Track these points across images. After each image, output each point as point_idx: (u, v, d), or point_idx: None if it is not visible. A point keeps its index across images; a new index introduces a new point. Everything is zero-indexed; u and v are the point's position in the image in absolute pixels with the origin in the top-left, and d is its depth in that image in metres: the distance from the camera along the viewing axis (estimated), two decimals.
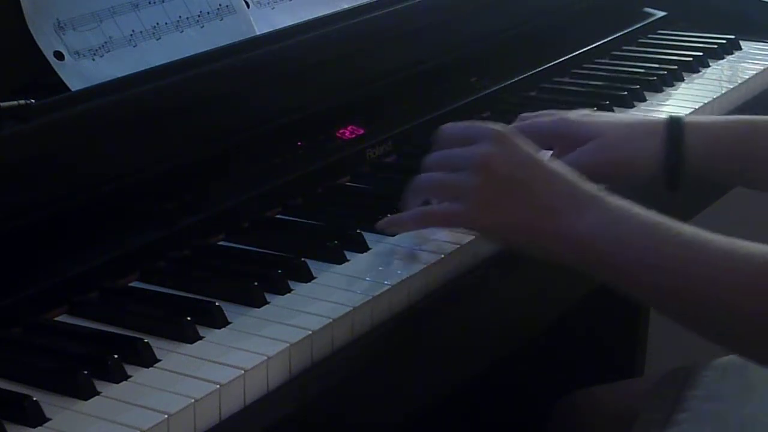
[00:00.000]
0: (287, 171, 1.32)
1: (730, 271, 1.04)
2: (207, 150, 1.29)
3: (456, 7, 1.64)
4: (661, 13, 1.92)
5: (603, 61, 1.77)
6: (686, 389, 1.39)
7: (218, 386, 0.96)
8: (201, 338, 1.04)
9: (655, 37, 1.87)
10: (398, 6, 1.54)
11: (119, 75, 1.26)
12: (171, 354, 1.01)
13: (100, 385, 0.96)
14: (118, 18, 1.30)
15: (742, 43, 1.84)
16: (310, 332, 1.04)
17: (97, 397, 0.95)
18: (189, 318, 1.04)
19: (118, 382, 0.97)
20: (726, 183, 1.45)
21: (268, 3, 1.45)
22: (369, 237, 1.21)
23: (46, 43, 1.24)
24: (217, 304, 1.07)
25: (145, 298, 1.11)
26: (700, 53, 1.77)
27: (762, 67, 1.75)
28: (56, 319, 1.08)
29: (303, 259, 1.15)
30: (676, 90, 1.68)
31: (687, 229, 1.06)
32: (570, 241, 1.08)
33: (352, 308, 1.08)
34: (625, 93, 1.61)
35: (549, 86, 1.67)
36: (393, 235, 1.20)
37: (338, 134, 1.41)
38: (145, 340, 1.01)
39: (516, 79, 1.63)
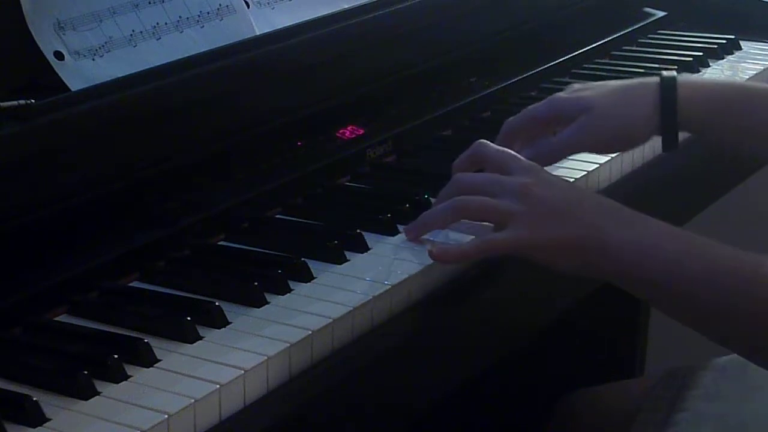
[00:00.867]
0: (287, 171, 1.32)
1: (754, 285, 1.07)
2: (207, 150, 1.29)
3: (456, 7, 1.64)
4: (661, 13, 1.92)
5: (603, 61, 1.77)
6: (686, 389, 1.39)
7: (218, 386, 0.96)
8: (201, 338, 1.04)
9: (655, 37, 1.87)
10: (398, 6, 1.54)
11: (119, 75, 1.26)
12: (171, 354, 1.01)
13: (100, 385, 0.96)
14: (118, 18, 1.30)
15: (742, 43, 1.84)
16: (310, 332, 1.04)
17: (97, 397, 0.95)
18: (189, 318, 1.04)
19: (118, 382, 0.97)
20: (722, 144, 1.44)
21: (268, 3, 1.45)
22: (369, 237, 1.21)
23: (46, 43, 1.24)
24: (217, 304, 1.07)
25: (145, 298, 1.11)
26: (700, 53, 1.77)
27: (762, 67, 1.75)
28: (56, 319, 1.08)
29: (303, 259, 1.15)
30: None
31: (719, 247, 1.10)
32: (606, 254, 1.11)
33: (352, 308, 1.08)
34: None
35: (549, 86, 1.67)
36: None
37: (338, 134, 1.41)
38: (145, 340, 1.01)
39: (516, 79, 1.63)
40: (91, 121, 1.20)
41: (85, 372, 0.96)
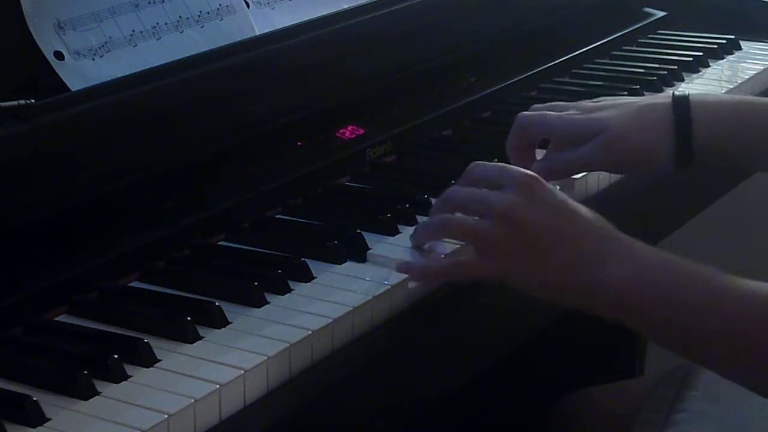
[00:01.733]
0: (287, 171, 1.32)
1: (753, 311, 1.04)
2: (207, 150, 1.29)
3: (456, 7, 1.64)
4: (661, 13, 1.92)
5: (603, 61, 1.77)
6: (685, 389, 1.39)
7: (218, 386, 0.96)
8: (201, 338, 1.04)
9: (655, 37, 1.87)
10: (398, 6, 1.54)
11: (119, 75, 1.26)
12: (171, 354, 1.01)
13: (100, 385, 0.96)
14: (118, 18, 1.30)
15: (742, 43, 1.84)
16: (310, 332, 1.04)
17: (97, 397, 0.95)
18: (189, 318, 1.04)
19: (118, 382, 0.97)
20: (735, 163, 1.44)
21: (268, 3, 1.45)
22: (369, 237, 1.21)
23: (46, 43, 1.24)
24: (217, 304, 1.07)
25: (145, 298, 1.11)
26: (700, 53, 1.77)
27: (762, 67, 1.75)
28: (56, 319, 1.08)
29: (303, 259, 1.15)
30: (676, 90, 1.67)
31: (713, 274, 1.06)
32: (597, 291, 1.07)
33: (352, 308, 1.08)
34: (625, 93, 1.61)
35: (549, 86, 1.67)
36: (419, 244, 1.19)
37: (338, 134, 1.41)
38: (145, 340, 1.01)
39: (516, 79, 1.63)
40: (91, 121, 1.20)
41: (85, 372, 0.96)
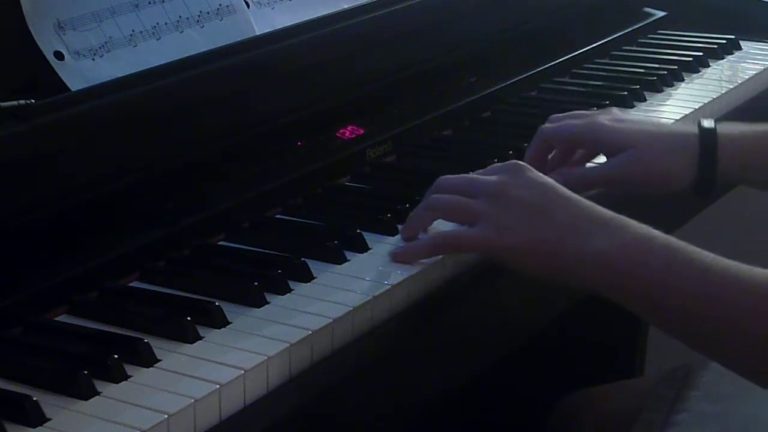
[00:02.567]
0: (287, 171, 1.32)
1: (746, 296, 1.04)
2: (207, 150, 1.29)
3: (456, 7, 1.64)
4: (661, 13, 1.92)
5: (603, 61, 1.77)
6: (686, 389, 1.39)
7: (218, 386, 0.96)
8: (201, 338, 1.04)
9: (655, 37, 1.87)
10: (398, 6, 1.54)
11: (119, 75, 1.26)
12: (171, 354, 1.01)
13: (100, 385, 0.96)
14: (118, 18, 1.30)
15: (742, 43, 1.84)
16: (310, 332, 1.04)
17: (97, 397, 0.95)
18: (189, 318, 1.04)
19: (118, 382, 0.97)
20: (755, 188, 1.45)
21: (268, 3, 1.45)
22: (369, 237, 1.21)
23: (46, 43, 1.24)
24: (217, 304, 1.07)
25: (145, 298, 1.11)
26: (700, 53, 1.77)
27: (762, 67, 1.75)
28: (56, 319, 1.08)
29: (303, 259, 1.15)
30: (676, 90, 1.68)
31: (704, 254, 1.06)
32: (586, 262, 1.08)
33: (352, 308, 1.08)
34: (625, 93, 1.61)
35: (549, 86, 1.67)
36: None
37: (338, 134, 1.41)
38: (145, 340, 1.01)
39: (516, 79, 1.63)
40: (91, 121, 1.20)
41: (85, 372, 0.96)
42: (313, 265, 1.15)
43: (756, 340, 1.04)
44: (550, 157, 1.32)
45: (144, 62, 1.29)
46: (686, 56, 1.76)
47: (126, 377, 0.98)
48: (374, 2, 1.53)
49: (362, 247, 1.19)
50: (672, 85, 1.68)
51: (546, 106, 1.51)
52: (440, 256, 1.16)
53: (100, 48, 1.27)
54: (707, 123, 1.30)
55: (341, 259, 1.17)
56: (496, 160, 1.25)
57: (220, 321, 1.06)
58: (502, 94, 1.60)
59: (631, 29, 1.86)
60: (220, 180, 1.28)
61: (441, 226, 1.19)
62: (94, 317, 1.08)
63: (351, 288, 1.12)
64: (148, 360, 1.00)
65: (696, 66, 1.74)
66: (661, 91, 1.66)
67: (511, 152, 1.38)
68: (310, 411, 1.01)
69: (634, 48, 1.83)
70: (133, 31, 1.31)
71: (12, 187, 1.11)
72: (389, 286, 1.12)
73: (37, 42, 1.23)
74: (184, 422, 0.93)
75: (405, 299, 1.13)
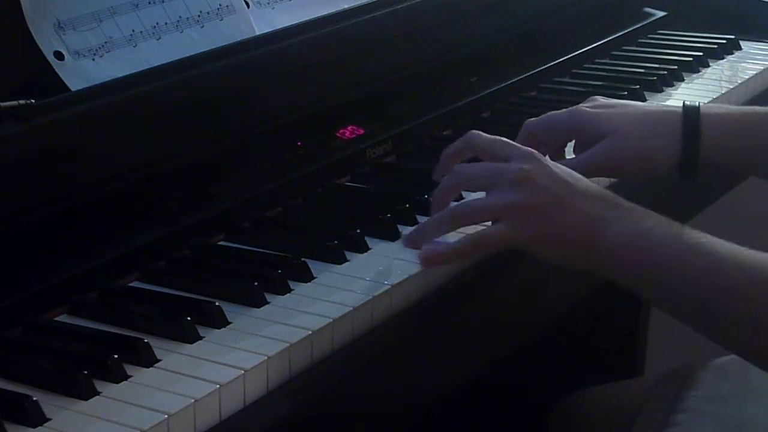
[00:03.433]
0: (287, 171, 1.32)
1: (758, 284, 1.05)
2: (207, 150, 1.29)
3: (456, 7, 1.64)
4: (661, 13, 1.92)
5: (603, 61, 1.77)
6: (686, 389, 1.39)
7: (218, 386, 0.96)
8: (201, 338, 1.04)
9: (655, 37, 1.87)
10: (398, 6, 1.54)
11: (119, 75, 1.26)
12: (171, 354, 1.01)
13: (100, 385, 0.96)
14: (118, 18, 1.30)
15: (742, 43, 1.84)
16: (310, 332, 1.04)
17: (97, 397, 0.95)
18: (189, 318, 1.04)
19: (118, 382, 0.97)
20: (740, 172, 1.45)
21: (268, 3, 1.45)
22: (369, 237, 1.21)
23: (46, 43, 1.24)
24: (217, 304, 1.07)
25: (145, 298, 1.11)
26: (700, 53, 1.77)
27: (762, 67, 1.75)
28: (56, 319, 1.08)
29: (303, 259, 1.15)
30: (676, 90, 1.68)
31: (719, 242, 1.07)
32: (605, 248, 1.09)
33: (352, 308, 1.08)
34: (625, 93, 1.61)
35: (549, 86, 1.67)
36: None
37: (338, 134, 1.41)
38: (145, 340, 1.01)
39: (516, 79, 1.63)
40: (91, 121, 1.20)
41: (85, 372, 0.96)
42: (313, 265, 1.15)
43: (765, 328, 1.04)
44: None
45: (144, 62, 1.29)
46: (686, 56, 1.76)
47: (126, 377, 0.98)
48: (374, 2, 1.52)
49: (362, 247, 1.19)
50: (672, 85, 1.68)
51: (546, 106, 1.51)
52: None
53: (100, 48, 1.27)
54: (691, 102, 1.30)
55: (341, 259, 1.17)
56: None
57: (220, 321, 1.06)
58: (502, 94, 1.60)
59: (631, 29, 1.86)
60: (220, 180, 1.28)
61: (451, 238, 1.16)
62: (94, 317, 1.08)
63: (351, 288, 1.12)
64: (148, 360, 1.00)
65: (696, 66, 1.74)
66: (661, 91, 1.66)
67: None
68: (310, 411, 1.01)
69: (634, 48, 1.83)
70: (133, 31, 1.31)
71: (12, 187, 1.11)
72: (389, 286, 1.12)
73: (37, 42, 1.23)
74: (184, 422, 0.93)
75: (405, 299, 1.13)
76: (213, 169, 1.29)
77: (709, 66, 1.76)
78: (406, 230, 1.23)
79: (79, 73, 1.24)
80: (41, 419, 0.92)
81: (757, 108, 1.37)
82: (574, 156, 1.31)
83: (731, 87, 1.67)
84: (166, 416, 0.92)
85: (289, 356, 1.02)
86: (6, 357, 1.01)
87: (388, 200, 1.28)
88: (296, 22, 1.45)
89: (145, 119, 1.24)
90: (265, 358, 1.00)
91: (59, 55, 1.24)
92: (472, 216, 1.15)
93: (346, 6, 1.51)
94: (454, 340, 1.17)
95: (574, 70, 1.72)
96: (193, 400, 0.94)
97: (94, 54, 1.27)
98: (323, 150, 1.38)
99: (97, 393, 0.96)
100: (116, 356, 0.98)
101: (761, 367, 1.10)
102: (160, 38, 1.32)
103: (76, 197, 1.15)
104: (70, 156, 1.17)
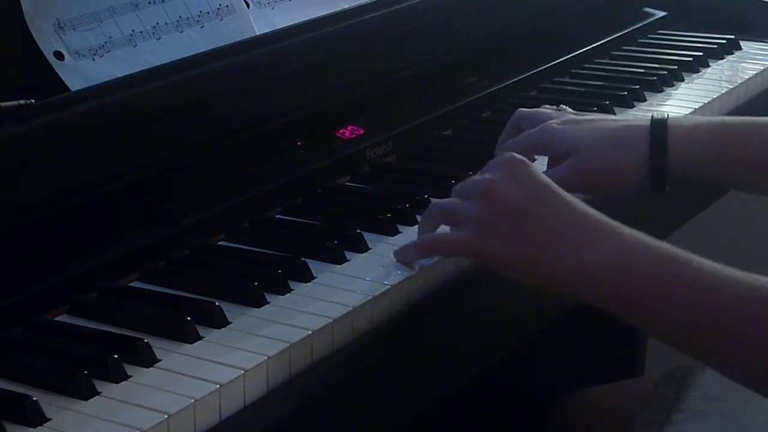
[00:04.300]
0: (287, 171, 1.32)
1: (740, 301, 1.02)
2: (207, 150, 1.29)
3: (456, 7, 1.64)
4: (661, 13, 1.92)
5: (603, 61, 1.77)
6: (685, 389, 1.39)
7: (218, 386, 0.96)
8: (201, 338, 1.04)
9: (655, 37, 1.87)
10: (398, 6, 1.54)
11: (119, 75, 1.26)
12: (171, 354, 1.01)
13: (100, 385, 0.96)
14: (118, 18, 1.30)
15: (742, 43, 1.84)
16: (310, 332, 1.04)
17: (97, 397, 0.95)
18: (189, 318, 1.04)
19: (118, 382, 0.97)
20: (717, 186, 1.43)
21: (268, 3, 1.45)
22: (369, 237, 1.21)
23: (46, 43, 1.24)
24: (217, 304, 1.07)
25: (145, 298, 1.11)
26: (700, 53, 1.77)
27: (762, 67, 1.75)
28: (56, 319, 1.08)
29: (303, 259, 1.15)
30: (676, 90, 1.68)
31: (699, 260, 1.03)
32: (577, 273, 1.04)
33: (352, 308, 1.08)
34: (625, 93, 1.61)
35: (549, 86, 1.67)
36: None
37: (338, 134, 1.41)
38: (145, 340, 1.01)
39: (516, 79, 1.63)
40: (91, 121, 1.20)
41: (85, 372, 0.96)
42: (313, 265, 1.15)
43: (751, 346, 1.02)
44: None
45: (144, 62, 1.29)
46: (686, 56, 1.76)
47: (126, 377, 0.98)
48: (374, 2, 1.52)
49: (362, 247, 1.19)
50: (672, 85, 1.68)
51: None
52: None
53: (100, 48, 1.27)
54: (659, 115, 1.28)
55: (341, 259, 1.17)
56: None
57: (220, 321, 1.06)
58: (502, 94, 1.60)
59: (631, 29, 1.86)
60: (220, 180, 1.28)
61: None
62: (94, 317, 1.08)
63: (351, 288, 1.12)
64: (148, 360, 1.00)
65: (696, 66, 1.74)
66: (661, 91, 1.66)
67: None
68: (310, 411, 1.01)
69: (634, 48, 1.83)
70: (133, 31, 1.31)
71: (12, 187, 1.11)
72: (389, 286, 1.12)
73: (37, 42, 1.23)
74: (184, 422, 0.93)
75: (405, 299, 1.13)
76: (213, 169, 1.29)
77: (709, 66, 1.76)
78: (406, 230, 1.23)
79: (79, 73, 1.24)
80: (41, 419, 0.92)
81: (726, 118, 1.36)
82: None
83: (731, 87, 1.67)
84: (166, 416, 0.92)
85: (289, 356, 1.02)
86: (6, 357, 1.01)
87: (388, 200, 1.28)
88: (296, 22, 1.45)
89: (145, 119, 1.24)
90: (265, 358, 1.00)
91: (59, 55, 1.24)
92: (436, 213, 1.14)
93: (346, 6, 1.51)
94: (454, 340, 1.17)
95: (574, 70, 1.72)
96: (193, 400, 0.94)
97: (94, 54, 1.27)
98: (323, 150, 1.38)
99: (97, 393, 0.96)
100: (116, 356, 0.98)
101: (747, 385, 1.07)
102: (160, 38, 1.32)
103: (76, 197, 1.15)
104: (70, 156, 1.17)
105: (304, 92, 1.41)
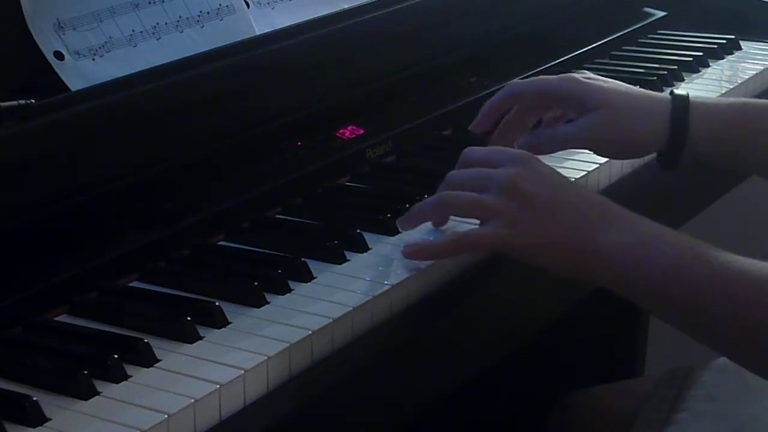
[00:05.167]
0: (287, 171, 1.32)
1: (753, 290, 1.04)
2: (207, 150, 1.29)
3: (456, 7, 1.64)
4: (661, 13, 1.92)
5: (603, 61, 1.77)
6: (686, 389, 1.39)
7: (218, 386, 0.96)
8: (201, 338, 1.04)
9: (655, 37, 1.87)
10: (398, 6, 1.54)
11: (119, 75, 1.26)
12: (171, 354, 1.01)
13: (100, 385, 0.96)
14: (118, 18, 1.30)
15: (742, 43, 1.84)
16: (310, 332, 1.04)
17: (97, 397, 0.95)
18: (189, 318, 1.04)
19: (118, 382, 0.97)
20: (734, 167, 1.44)
21: (268, 3, 1.45)
22: (369, 237, 1.21)
23: (46, 43, 1.24)
24: (217, 304, 1.07)
25: (145, 298, 1.11)
26: (700, 53, 1.77)
27: (762, 67, 1.75)
28: (56, 319, 1.08)
29: (303, 259, 1.15)
30: (675, 89, 1.67)
31: (713, 249, 1.06)
32: (599, 257, 1.08)
33: (352, 308, 1.08)
34: None
35: None
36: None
37: (338, 134, 1.41)
38: (145, 340, 1.01)
39: (516, 79, 1.63)
40: (91, 121, 1.20)
41: (85, 372, 0.96)
42: (313, 265, 1.15)
43: (763, 334, 1.03)
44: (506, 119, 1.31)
45: (144, 62, 1.29)
46: (686, 56, 1.76)
47: (126, 377, 0.98)
48: (374, 2, 1.52)
49: (362, 247, 1.19)
50: (672, 85, 1.68)
51: None
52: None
53: (100, 48, 1.27)
54: (681, 91, 1.29)
55: (341, 259, 1.17)
56: None
57: (220, 321, 1.06)
58: None
59: (631, 29, 1.86)
60: (220, 180, 1.28)
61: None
62: (94, 317, 1.08)
63: (351, 288, 1.12)
64: (148, 360, 1.00)
65: (696, 66, 1.74)
66: (660, 91, 1.66)
67: None
68: (310, 411, 1.01)
69: (634, 48, 1.83)
70: (133, 31, 1.31)
71: (12, 187, 1.11)
72: (389, 286, 1.12)
73: (37, 42, 1.23)
74: (184, 422, 0.93)
75: (405, 299, 1.13)
76: (213, 169, 1.29)
77: (709, 66, 1.76)
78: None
79: (79, 73, 1.24)
80: (41, 419, 0.92)
81: (747, 100, 1.36)
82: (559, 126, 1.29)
83: (731, 87, 1.67)
84: (166, 416, 0.92)
85: (289, 356, 1.02)
86: (6, 357, 1.01)
87: (388, 200, 1.28)
88: (296, 22, 1.45)
89: (145, 119, 1.24)
90: (265, 358, 1.00)
91: (59, 55, 1.24)
92: (460, 203, 1.14)
93: (346, 6, 1.51)
94: (454, 340, 1.17)
95: (573, 70, 1.72)
96: (193, 400, 0.94)
97: (94, 54, 1.27)
98: (323, 150, 1.38)
99: (97, 393, 0.96)
100: (116, 356, 0.98)
101: (757, 372, 1.09)
102: (160, 38, 1.32)
103: (76, 197, 1.15)
104: (70, 156, 1.17)
105: (304, 92, 1.41)
